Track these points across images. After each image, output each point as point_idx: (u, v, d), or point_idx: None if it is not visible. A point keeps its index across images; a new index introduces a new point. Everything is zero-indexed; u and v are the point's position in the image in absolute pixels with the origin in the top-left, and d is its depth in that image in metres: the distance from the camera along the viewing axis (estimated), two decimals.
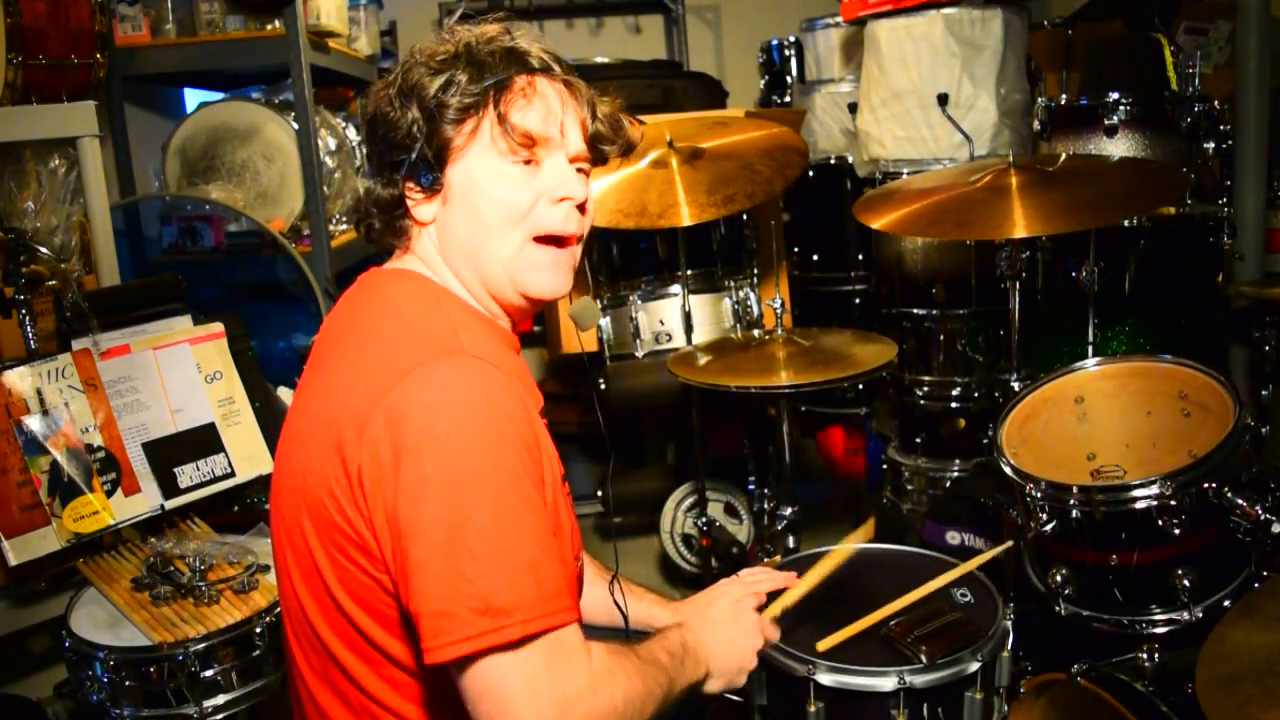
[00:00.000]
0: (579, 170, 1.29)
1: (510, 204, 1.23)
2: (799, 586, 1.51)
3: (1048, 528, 1.59)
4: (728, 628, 1.39)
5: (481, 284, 1.27)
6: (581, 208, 1.28)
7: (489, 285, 1.26)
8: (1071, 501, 1.58)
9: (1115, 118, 2.24)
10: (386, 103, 1.24)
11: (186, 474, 1.94)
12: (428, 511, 1.03)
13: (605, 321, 2.69)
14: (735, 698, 1.55)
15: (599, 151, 1.32)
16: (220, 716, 1.64)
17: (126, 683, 1.62)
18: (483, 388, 1.10)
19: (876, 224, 2.08)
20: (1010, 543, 1.68)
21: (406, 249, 1.30)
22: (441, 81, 1.21)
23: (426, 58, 1.24)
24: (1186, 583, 1.52)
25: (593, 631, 1.48)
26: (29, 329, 1.93)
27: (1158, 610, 1.57)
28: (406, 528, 1.04)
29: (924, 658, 1.41)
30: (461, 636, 1.00)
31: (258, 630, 1.68)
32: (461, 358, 1.12)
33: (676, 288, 2.61)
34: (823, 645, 1.44)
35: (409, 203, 1.25)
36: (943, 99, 2.56)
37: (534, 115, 1.23)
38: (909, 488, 2.78)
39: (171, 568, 1.78)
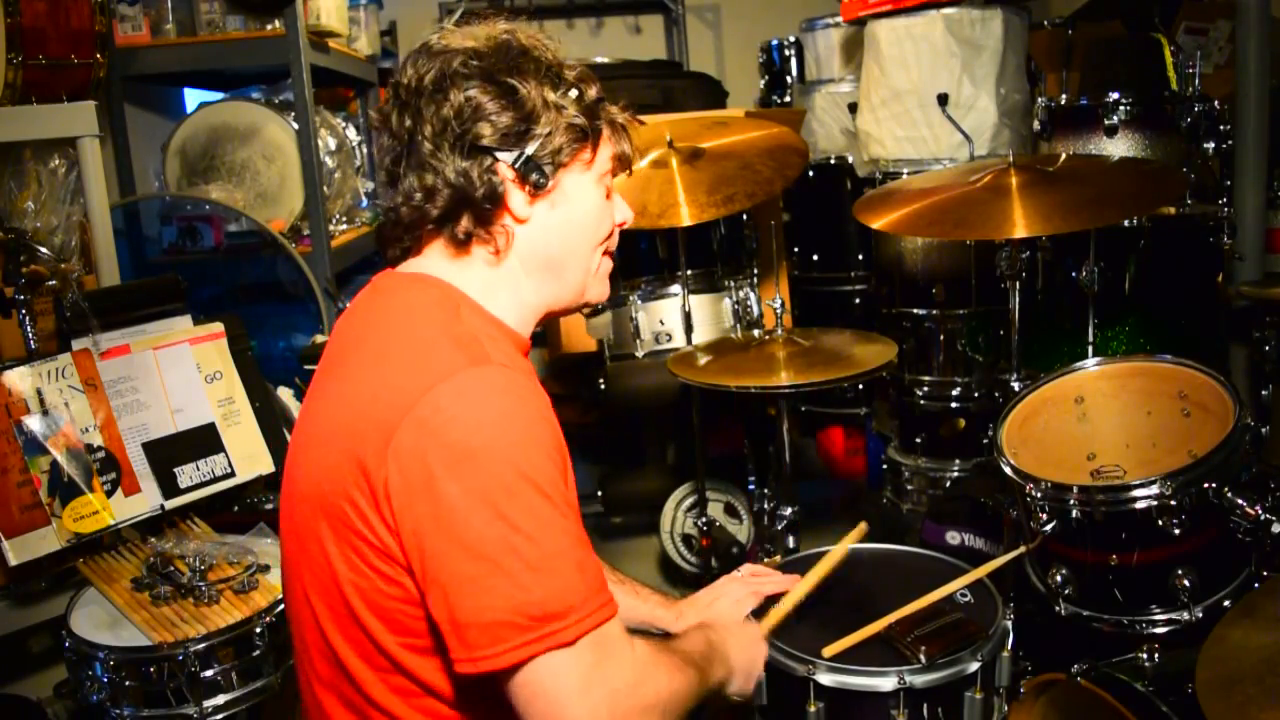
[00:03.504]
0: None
1: (602, 229, 1.28)
2: (790, 597, 1.53)
3: (1048, 528, 1.59)
4: (741, 631, 1.43)
5: (552, 292, 1.27)
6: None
7: (561, 293, 1.28)
8: (1071, 501, 1.58)
9: (1115, 118, 2.24)
10: (508, 71, 1.18)
11: (186, 474, 1.94)
12: (474, 526, 1.03)
13: (605, 321, 2.69)
14: (735, 697, 1.55)
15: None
16: (220, 716, 1.64)
17: (126, 683, 1.62)
18: (514, 396, 1.10)
19: (876, 224, 2.08)
20: (1023, 548, 1.68)
21: (418, 253, 1.24)
22: (571, 81, 1.21)
23: (546, 48, 1.23)
24: (1186, 583, 1.52)
25: None
26: (29, 329, 1.93)
27: (1158, 610, 1.57)
28: (450, 543, 1.04)
29: (924, 658, 1.41)
30: (521, 642, 1.02)
31: (258, 630, 1.68)
32: (491, 367, 1.11)
33: (676, 288, 2.60)
34: (829, 651, 1.44)
35: (503, 192, 1.19)
36: (943, 99, 2.56)
37: (629, 148, 1.28)
38: (909, 488, 2.78)
39: (171, 568, 1.78)
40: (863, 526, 1.68)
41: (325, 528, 1.14)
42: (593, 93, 1.23)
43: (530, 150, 1.18)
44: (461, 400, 1.07)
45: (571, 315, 2.42)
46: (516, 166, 1.18)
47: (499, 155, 1.17)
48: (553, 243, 1.24)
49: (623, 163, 1.29)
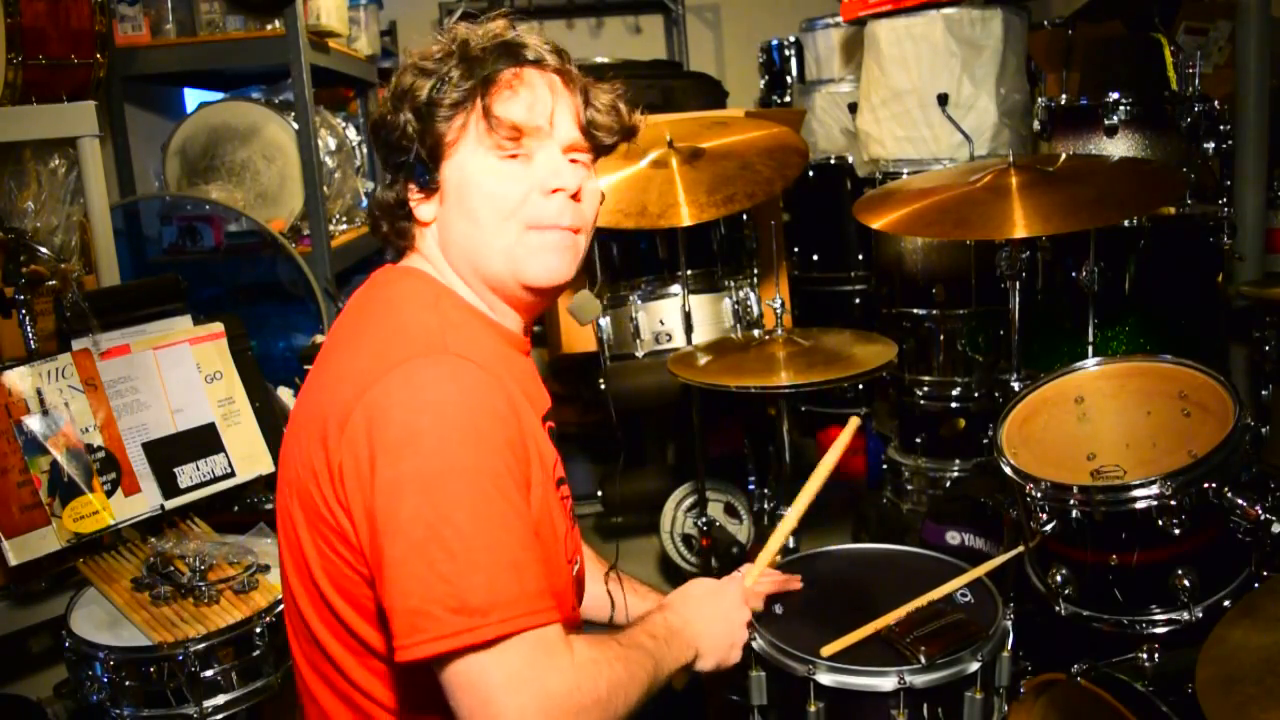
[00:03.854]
0: (573, 160, 1.27)
1: (502, 197, 1.22)
2: (777, 535, 1.52)
3: (1048, 528, 1.59)
4: (712, 603, 1.38)
5: (483, 281, 1.26)
6: (576, 197, 1.26)
7: (490, 280, 1.26)
8: (1071, 501, 1.57)
9: (1115, 118, 2.23)
10: (385, 105, 1.27)
11: (186, 474, 1.94)
12: (405, 509, 1.03)
13: (605, 321, 2.69)
14: (735, 697, 1.55)
15: (596, 139, 1.29)
16: (220, 716, 1.65)
17: (126, 683, 1.62)
18: (462, 385, 1.10)
19: (876, 224, 2.08)
20: (1021, 548, 1.68)
21: (414, 250, 1.30)
22: (434, 80, 1.22)
23: (420, 58, 1.25)
24: (1186, 583, 1.52)
25: (589, 627, 1.49)
26: (29, 329, 1.93)
27: (1158, 610, 1.57)
28: (384, 525, 1.04)
29: (924, 658, 1.41)
30: (435, 635, 1.01)
31: (258, 630, 1.68)
32: (443, 355, 1.12)
33: (676, 288, 2.60)
34: (828, 650, 1.44)
35: (410, 204, 1.26)
36: (943, 99, 2.56)
37: (519, 106, 1.22)
38: (909, 488, 2.78)
39: (171, 568, 1.78)
40: (855, 422, 1.66)
41: (299, 512, 1.16)
42: (456, 72, 1.21)
43: (409, 157, 1.23)
44: (407, 386, 1.08)
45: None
46: (404, 176, 1.25)
47: (398, 166, 1.25)
48: (456, 233, 1.25)
49: (502, 124, 1.20)
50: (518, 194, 1.22)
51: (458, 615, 1.00)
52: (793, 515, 1.55)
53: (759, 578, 1.52)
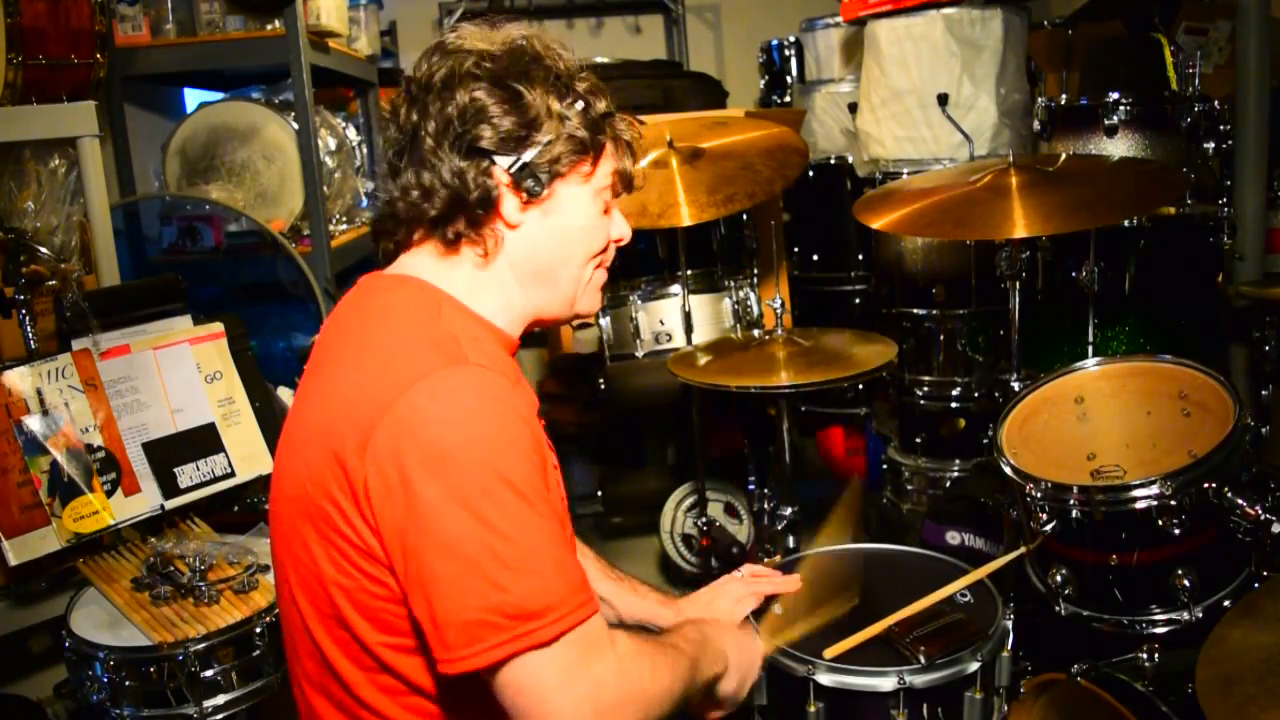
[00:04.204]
0: None
1: (595, 243, 1.27)
2: (791, 619, 1.52)
3: (1048, 528, 1.59)
4: (739, 632, 1.43)
5: (542, 300, 1.27)
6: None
7: (550, 303, 1.28)
8: (1071, 501, 1.57)
9: (1115, 118, 2.23)
10: (516, 76, 1.18)
11: (186, 474, 1.94)
12: (451, 525, 1.04)
13: (605, 321, 2.69)
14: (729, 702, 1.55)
15: (629, 190, 1.35)
16: (220, 716, 1.64)
17: (126, 683, 1.62)
18: (490, 396, 1.10)
19: (876, 224, 2.08)
20: (1024, 549, 1.68)
21: (448, 248, 1.23)
22: (580, 93, 1.21)
23: (561, 55, 1.22)
24: (1186, 583, 1.52)
25: None
26: (29, 329, 1.93)
27: (1158, 610, 1.57)
28: (427, 542, 1.04)
29: (923, 658, 1.41)
30: (497, 642, 1.03)
31: (258, 630, 1.68)
32: (467, 367, 1.11)
33: (676, 288, 2.60)
34: (830, 653, 1.44)
35: (500, 197, 1.19)
36: (943, 99, 2.56)
37: (632, 167, 1.28)
38: (909, 488, 2.78)
39: (171, 568, 1.78)
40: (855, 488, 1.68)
41: (309, 529, 1.15)
42: (601, 106, 1.23)
43: (528, 157, 1.18)
44: (437, 400, 1.07)
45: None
46: (512, 172, 1.18)
47: (496, 159, 1.18)
48: (542, 251, 1.24)
49: (624, 180, 1.29)
50: (601, 244, 1.29)
51: (517, 621, 1.03)
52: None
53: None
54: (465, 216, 1.19)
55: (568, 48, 1.25)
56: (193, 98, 3.60)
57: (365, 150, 3.63)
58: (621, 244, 1.32)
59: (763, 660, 1.44)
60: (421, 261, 1.24)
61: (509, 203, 1.20)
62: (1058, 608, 1.64)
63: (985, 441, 2.33)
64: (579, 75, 1.23)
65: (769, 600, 1.55)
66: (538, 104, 1.17)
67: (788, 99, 3.72)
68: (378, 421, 1.07)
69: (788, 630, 1.50)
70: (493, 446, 1.07)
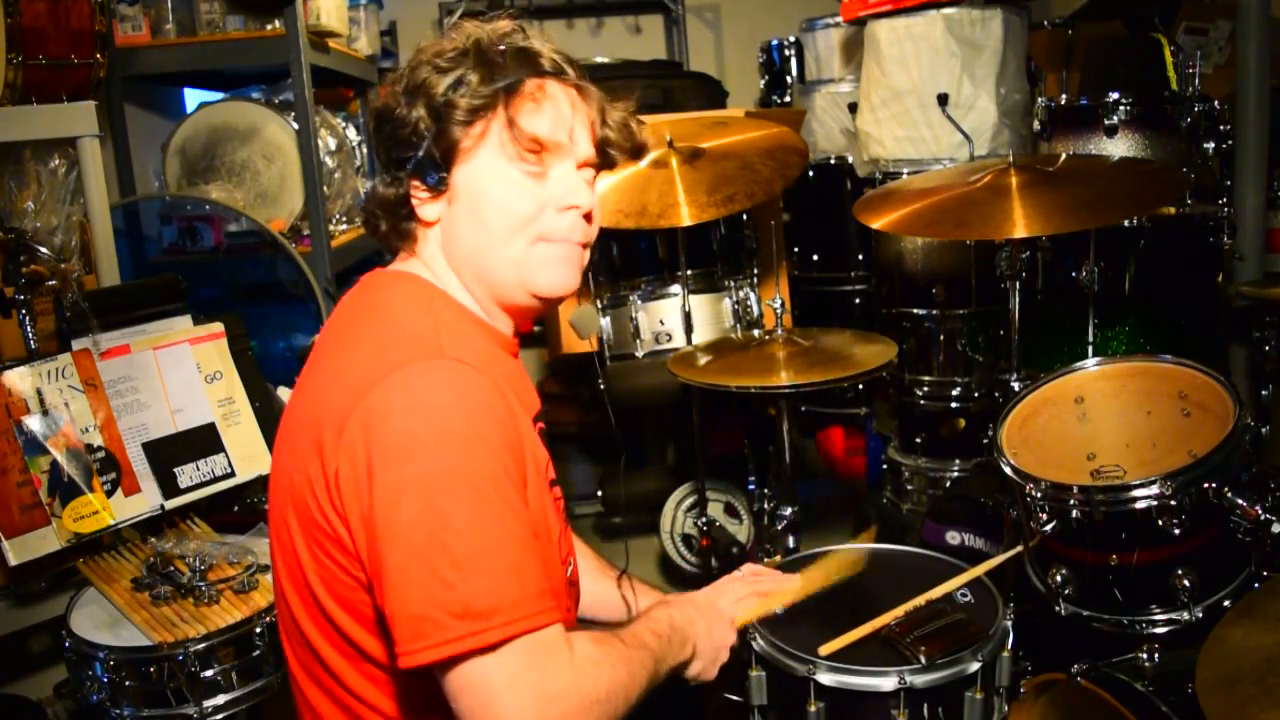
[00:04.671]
0: (585, 177, 1.28)
1: (516, 211, 1.22)
2: (778, 597, 1.52)
3: (1048, 528, 1.59)
4: (710, 614, 1.42)
5: (486, 287, 1.26)
6: (588, 216, 1.27)
7: (495, 288, 1.26)
8: (1071, 501, 1.57)
9: (1115, 118, 2.23)
10: (394, 99, 1.23)
11: (186, 474, 1.94)
12: (405, 515, 1.03)
13: (605, 321, 2.69)
14: (735, 697, 1.55)
15: (607, 156, 1.31)
16: (220, 716, 1.64)
17: (126, 683, 1.62)
18: (461, 390, 1.10)
19: (876, 224, 2.08)
20: (1020, 548, 1.68)
21: (411, 251, 1.29)
22: (450, 80, 1.19)
23: (434, 55, 1.22)
24: (1186, 583, 1.52)
25: (593, 626, 1.49)
26: (29, 329, 1.93)
27: (1158, 610, 1.57)
28: (383, 532, 1.04)
29: (924, 658, 1.41)
30: (439, 640, 1.01)
31: (258, 630, 1.68)
32: (441, 360, 1.12)
33: (676, 288, 2.60)
34: (826, 649, 1.44)
35: (414, 202, 1.24)
36: (943, 99, 2.56)
37: (544, 120, 1.22)
38: (909, 488, 2.77)
39: (171, 568, 1.78)
40: (871, 532, 1.68)
41: (293, 518, 1.16)
42: (475, 77, 1.19)
43: (419, 155, 1.21)
44: (406, 392, 1.08)
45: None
46: (410, 173, 1.22)
47: (398, 170, 1.23)
48: (463, 238, 1.24)
49: (530, 137, 1.20)
50: (532, 208, 1.22)
51: (462, 620, 1.01)
52: (792, 592, 1.54)
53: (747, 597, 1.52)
54: (392, 225, 1.26)
55: (508, 28, 1.24)
56: (193, 98, 3.60)
57: (365, 150, 3.63)
58: (578, 211, 1.25)
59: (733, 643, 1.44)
60: (415, 259, 1.29)
61: (420, 203, 1.24)
62: (1058, 608, 1.64)
63: (985, 441, 2.33)
64: (474, 50, 1.21)
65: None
66: (431, 97, 1.19)
67: (788, 99, 3.72)
68: (352, 411, 1.08)
69: (764, 605, 1.50)
70: (458, 441, 1.06)
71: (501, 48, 1.22)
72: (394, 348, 1.14)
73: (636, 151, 1.35)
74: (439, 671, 1.04)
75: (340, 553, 1.12)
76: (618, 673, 1.13)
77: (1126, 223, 2.20)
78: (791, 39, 3.68)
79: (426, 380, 1.09)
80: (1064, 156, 2.16)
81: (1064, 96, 2.53)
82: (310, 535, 1.14)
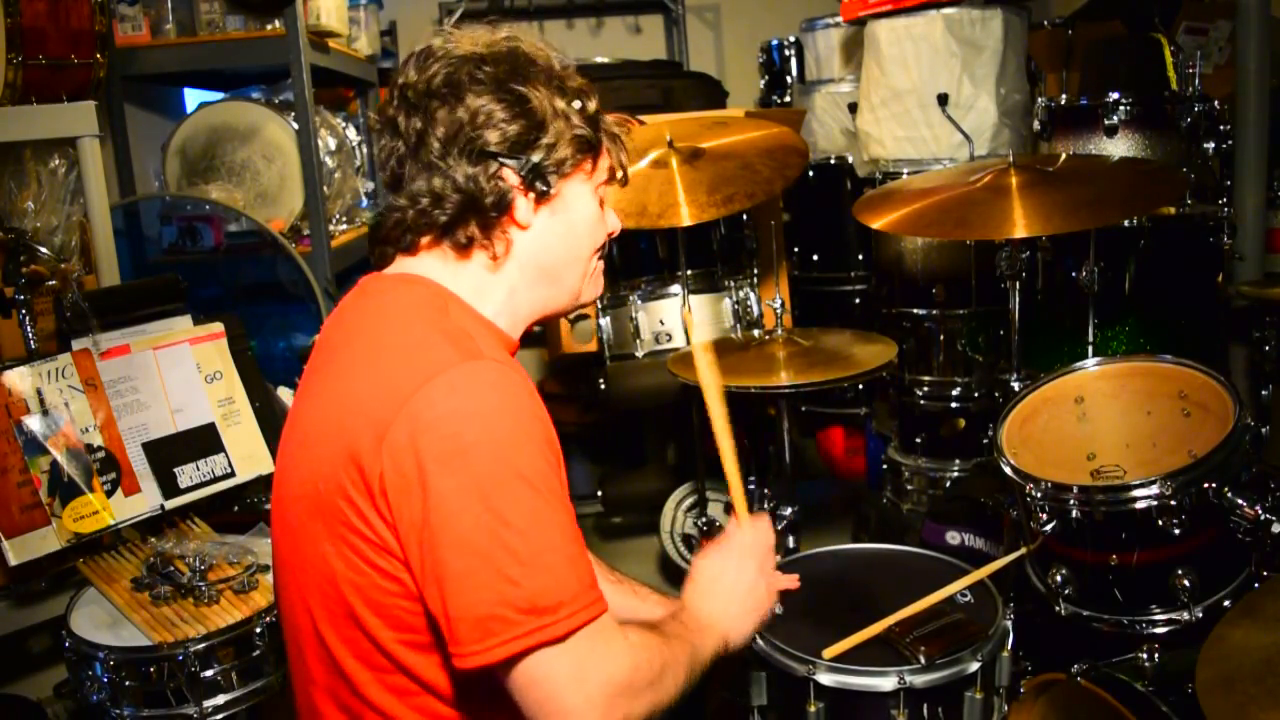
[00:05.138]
0: None
1: (597, 237, 1.30)
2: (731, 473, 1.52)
3: (1048, 528, 1.59)
4: (723, 584, 1.36)
5: (544, 297, 1.28)
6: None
7: (553, 299, 1.30)
8: (1071, 501, 1.57)
9: (1115, 118, 2.23)
10: (518, 79, 1.19)
11: (186, 474, 1.94)
12: (466, 519, 1.04)
13: (605, 321, 2.69)
14: (735, 698, 1.55)
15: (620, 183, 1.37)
16: (220, 716, 1.64)
17: (126, 683, 1.62)
18: (505, 391, 1.10)
19: (876, 224, 2.08)
20: (1024, 549, 1.68)
21: (414, 252, 1.24)
22: (574, 91, 1.23)
23: (543, 53, 1.24)
24: (1186, 583, 1.52)
25: None
26: (29, 329, 1.93)
27: (1158, 610, 1.57)
28: (442, 536, 1.05)
29: (924, 658, 1.41)
30: (509, 636, 1.03)
31: (258, 630, 1.68)
32: (484, 362, 1.12)
33: (676, 288, 2.61)
34: (829, 652, 1.44)
35: (517, 202, 1.21)
36: (943, 99, 2.56)
37: (625, 161, 1.30)
38: (909, 488, 2.78)
39: (171, 568, 1.78)
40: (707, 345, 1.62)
41: (320, 527, 1.14)
42: (593, 105, 1.25)
43: (537, 158, 1.19)
44: (454, 395, 1.08)
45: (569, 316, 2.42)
46: (523, 174, 1.19)
47: (506, 162, 1.19)
48: (553, 249, 1.26)
49: (616, 175, 1.31)
50: (601, 237, 1.32)
51: (529, 615, 1.04)
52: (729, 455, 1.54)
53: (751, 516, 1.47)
54: (478, 220, 1.20)
55: (555, 47, 1.26)
56: (193, 98, 3.60)
57: (365, 150, 3.63)
58: (613, 236, 1.35)
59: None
60: (427, 264, 1.24)
61: (521, 204, 1.21)
62: (1058, 608, 1.64)
63: (985, 441, 2.33)
64: (571, 74, 1.25)
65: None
66: (543, 105, 1.19)
67: (788, 99, 3.72)
68: (395, 416, 1.07)
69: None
70: (510, 442, 1.07)
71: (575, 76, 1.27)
72: (429, 350, 1.13)
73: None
74: (503, 670, 1.06)
75: (384, 559, 1.11)
76: (665, 654, 1.17)
77: (1126, 223, 2.20)
78: (791, 39, 3.68)
79: (472, 383, 1.09)
80: (1064, 156, 2.16)
81: (1064, 96, 2.54)
82: (345, 543, 1.12)
